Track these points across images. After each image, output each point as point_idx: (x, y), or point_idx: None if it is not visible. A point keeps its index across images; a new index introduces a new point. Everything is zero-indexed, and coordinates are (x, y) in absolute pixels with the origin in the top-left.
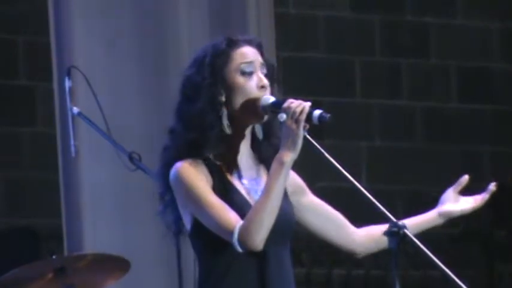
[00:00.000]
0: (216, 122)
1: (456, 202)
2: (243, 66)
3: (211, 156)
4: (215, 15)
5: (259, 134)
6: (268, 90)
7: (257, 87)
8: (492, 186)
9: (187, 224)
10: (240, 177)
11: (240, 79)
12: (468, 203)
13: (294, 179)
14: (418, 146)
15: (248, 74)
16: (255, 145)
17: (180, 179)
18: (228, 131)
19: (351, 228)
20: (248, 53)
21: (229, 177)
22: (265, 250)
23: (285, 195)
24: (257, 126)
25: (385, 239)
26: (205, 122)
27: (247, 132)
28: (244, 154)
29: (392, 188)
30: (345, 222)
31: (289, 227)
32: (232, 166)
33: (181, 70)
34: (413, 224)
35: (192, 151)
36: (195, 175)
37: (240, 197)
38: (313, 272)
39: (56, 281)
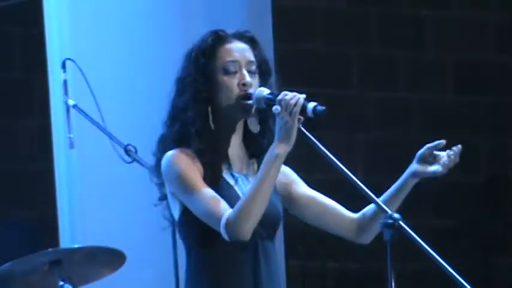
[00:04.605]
0: (197, 118)
1: (430, 161)
2: (226, 65)
3: (202, 147)
4: (212, 7)
5: (254, 128)
6: (254, 86)
7: (238, 86)
8: (457, 148)
9: (175, 213)
10: (230, 170)
11: (223, 77)
12: (441, 167)
13: (284, 170)
14: (414, 138)
15: (232, 73)
16: (247, 139)
17: (171, 166)
18: (212, 126)
19: (349, 217)
20: (234, 51)
21: (220, 169)
22: (255, 244)
23: (274, 188)
24: (251, 120)
25: (378, 213)
26: (187, 117)
27: (238, 126)
28: (236, 148)
29: (389, 180)
30: (342, 212)
31: (276, 221)
32: (223, 159)
33: (176, 61)
34: (392, 197)
35: (179, 143)
36: (186, 163)
37: (230, 190)
38: (308, 264)
39: (52, 273)
